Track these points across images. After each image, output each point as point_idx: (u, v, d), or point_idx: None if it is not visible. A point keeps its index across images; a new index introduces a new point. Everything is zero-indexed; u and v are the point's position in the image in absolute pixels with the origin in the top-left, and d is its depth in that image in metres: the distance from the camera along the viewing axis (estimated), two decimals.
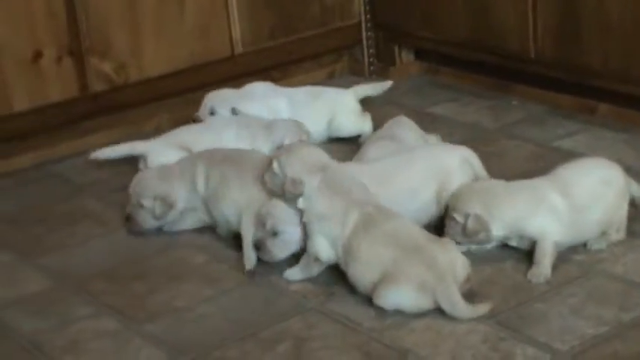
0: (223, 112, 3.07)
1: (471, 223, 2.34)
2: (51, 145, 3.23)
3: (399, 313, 2.23)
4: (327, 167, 2.39)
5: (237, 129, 2.96)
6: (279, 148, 2.77)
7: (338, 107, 3.14)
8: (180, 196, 2.66)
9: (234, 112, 3.06)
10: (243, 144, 2.90)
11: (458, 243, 2.34)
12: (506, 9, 3.25)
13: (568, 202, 2.35)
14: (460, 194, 2.40)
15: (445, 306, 2.18)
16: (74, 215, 2.88)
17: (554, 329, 2.13)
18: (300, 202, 2.36)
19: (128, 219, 2.71)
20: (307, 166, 2.36)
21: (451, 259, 2.22)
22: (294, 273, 2.42)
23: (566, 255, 2.40)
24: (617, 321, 2.14)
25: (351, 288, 2.33)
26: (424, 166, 2.52)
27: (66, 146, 3.25)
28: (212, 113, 3.08)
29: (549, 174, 2.45)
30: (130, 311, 2.35)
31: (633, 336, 2.08)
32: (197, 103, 3.26)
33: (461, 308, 2.18)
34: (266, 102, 3.12)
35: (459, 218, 2.36)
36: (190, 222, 2.70)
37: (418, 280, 2.19)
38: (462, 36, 3.43)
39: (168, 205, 2.65)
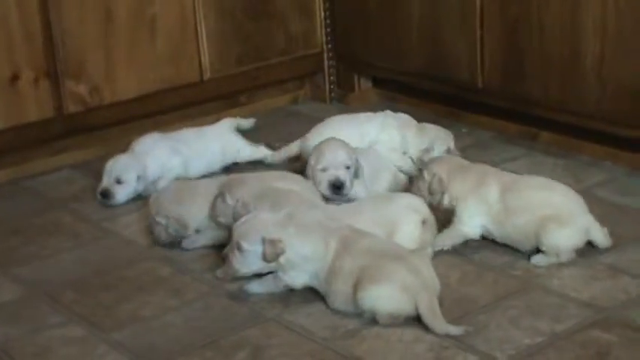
0: (129, 178, 2.96)
1: (434, 182, 2.52)
2: (26, 162, 3.21)
3: (350, 322, 2.23)
4: (290, 214, 2.30)
5: (382, 123, 3.03)
6: (425, 152, 2.87)
7: (225, 139, 3.14)
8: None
9: (138, 179, 2.97)
10: (386, 133, 2.98)
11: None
12: (457, 43, 3.29)
13: (501, 198, 2.46)
14: (435, 159, 2.61)
15: (425, 313, 2.16)
16: (47, 228, 2.86)
17: (494, 339, 2.15)
18: (282, 258, 2.26)
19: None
20: (278, 222, 2.27)
21: (432, 272, 2.25)
22: (255, 286, 2.38)
23: (506, 270, 2.43)
24: (551, 332, 2.17)
25: (306, 300, 2.33)
26: (370, 216, 2.43)
27: (41, 163, 3.23)
28: (119, 182, 2.96)
29: (517, 174, 2.58)
30: (97, 320, 2.34)
31: (565, 346, 2.11)
32: (166, 126, 3.27)
33: (440, 319, 2.16)
34: (156, 154, 3.03)
35: (427, 177, 2.54)
36: None
37: (402, 282, 2.17)
38: (416, 67, 3.45)
39: None
